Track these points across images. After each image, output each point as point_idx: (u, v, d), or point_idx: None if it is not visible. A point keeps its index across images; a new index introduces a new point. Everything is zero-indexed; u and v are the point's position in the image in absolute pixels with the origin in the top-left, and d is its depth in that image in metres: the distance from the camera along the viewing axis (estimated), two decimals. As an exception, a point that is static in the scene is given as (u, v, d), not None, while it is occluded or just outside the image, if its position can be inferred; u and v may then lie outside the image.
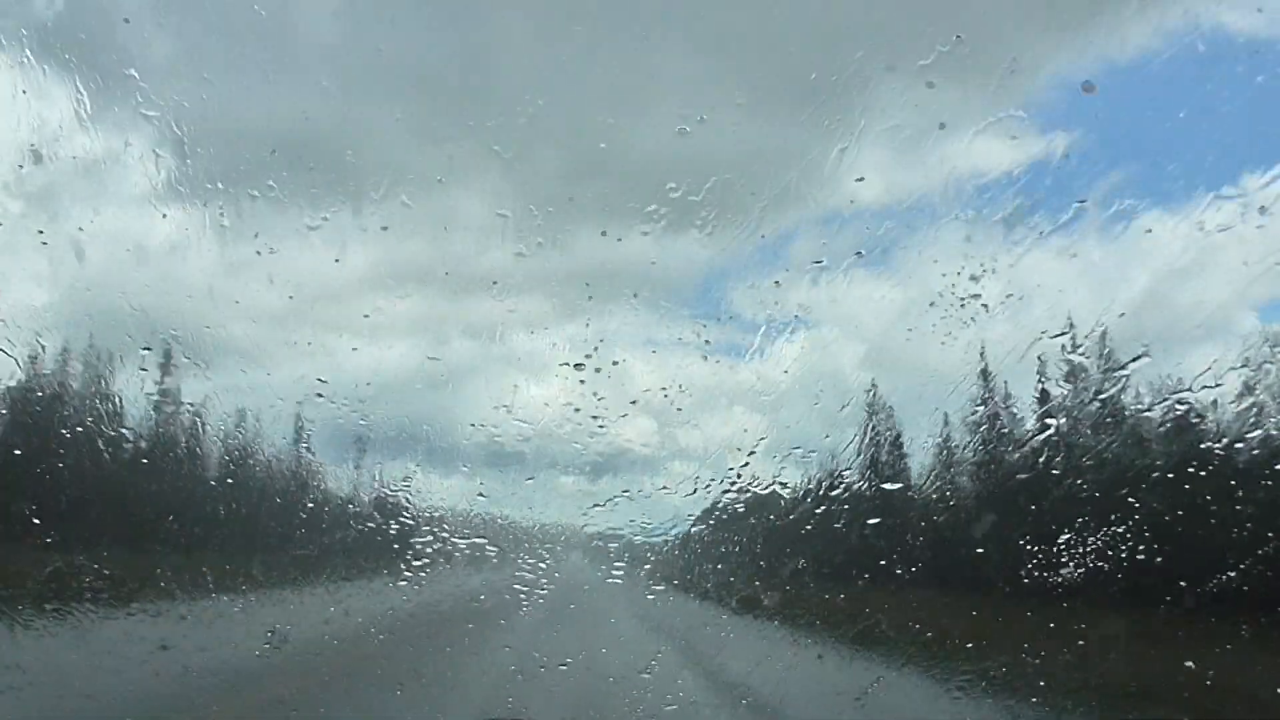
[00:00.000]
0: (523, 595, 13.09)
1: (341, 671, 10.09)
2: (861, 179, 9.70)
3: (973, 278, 11.07)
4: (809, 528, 15.29)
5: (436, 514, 14.44)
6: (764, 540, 17.24)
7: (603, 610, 16.43)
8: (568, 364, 10.80)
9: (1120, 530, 11.68)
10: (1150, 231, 10.83)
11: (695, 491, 12.64)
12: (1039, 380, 19.25)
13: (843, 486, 16.02)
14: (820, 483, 16.68)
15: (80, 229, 10.19)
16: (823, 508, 15.31)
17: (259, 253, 9.99)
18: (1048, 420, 18.90)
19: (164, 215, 9.73)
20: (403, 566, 12.80)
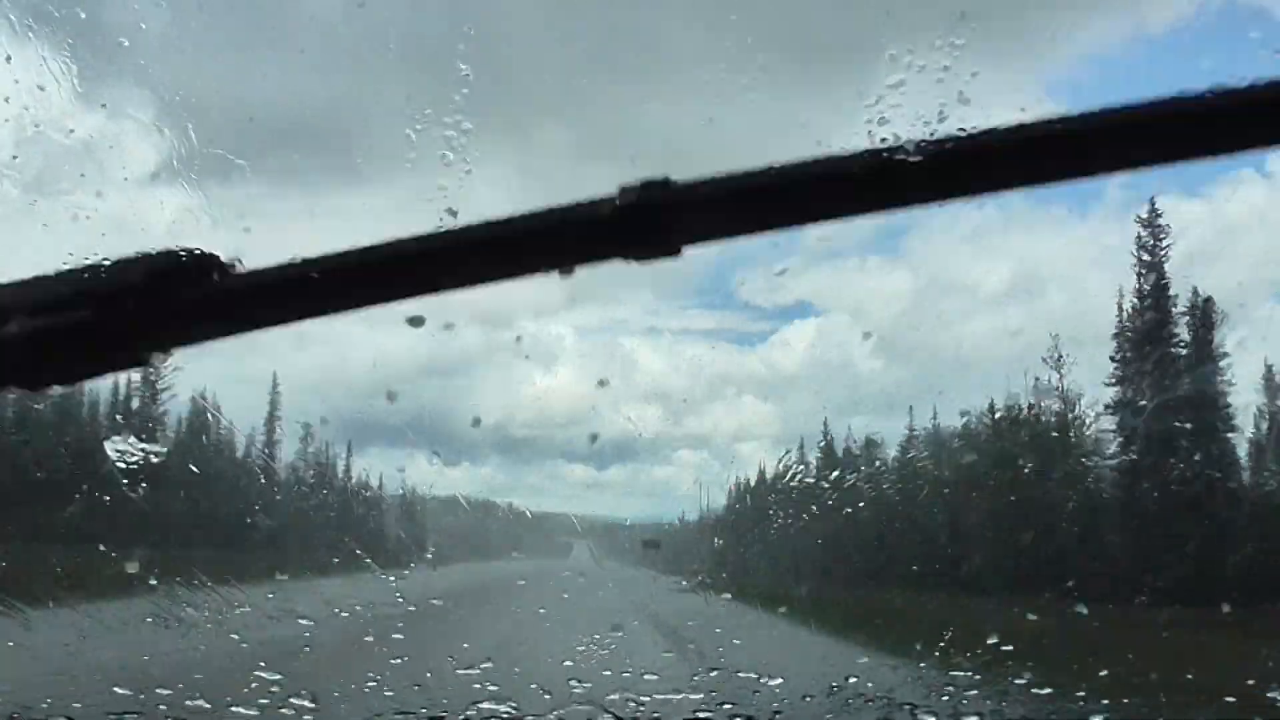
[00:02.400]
0: (525, 583, 12.95)
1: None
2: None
3: (987, 262, 10.74)
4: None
5: (447, 505, 14.21)
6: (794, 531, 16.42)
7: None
8: (575, 351, 10.57)
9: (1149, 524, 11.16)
10: (1170, 213, 10.47)
11: (703, 479, 12.34)
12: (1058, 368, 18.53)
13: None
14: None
15: (73, 210, 9.90)
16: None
17: (258, 235, 9.68)
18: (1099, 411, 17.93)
19: (159, 196, 9.42)
20: (417, 555, 13.12)
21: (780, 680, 4.94)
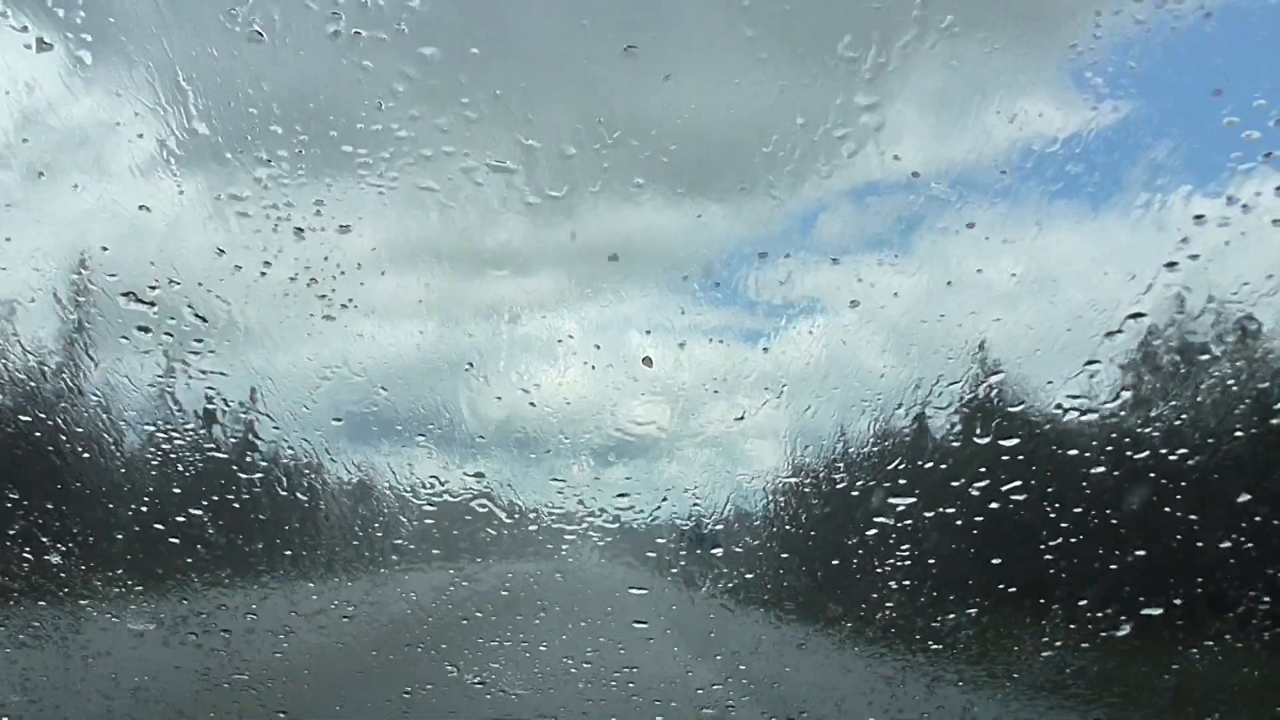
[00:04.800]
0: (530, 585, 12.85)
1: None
2: (892, 152, 9.25)
3: (998, 257, 10.62)
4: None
5: (447, 504, 14.17)
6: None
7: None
8: (579, 346, 10.56)
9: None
10: (1195, 208, 10.32)
11: (709, 479, 12.30)
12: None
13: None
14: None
15: (75, 203, 9.81)
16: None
17: (261, 227, 9.59)
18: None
19: (160, 187, 9.32)
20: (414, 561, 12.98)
21: None
